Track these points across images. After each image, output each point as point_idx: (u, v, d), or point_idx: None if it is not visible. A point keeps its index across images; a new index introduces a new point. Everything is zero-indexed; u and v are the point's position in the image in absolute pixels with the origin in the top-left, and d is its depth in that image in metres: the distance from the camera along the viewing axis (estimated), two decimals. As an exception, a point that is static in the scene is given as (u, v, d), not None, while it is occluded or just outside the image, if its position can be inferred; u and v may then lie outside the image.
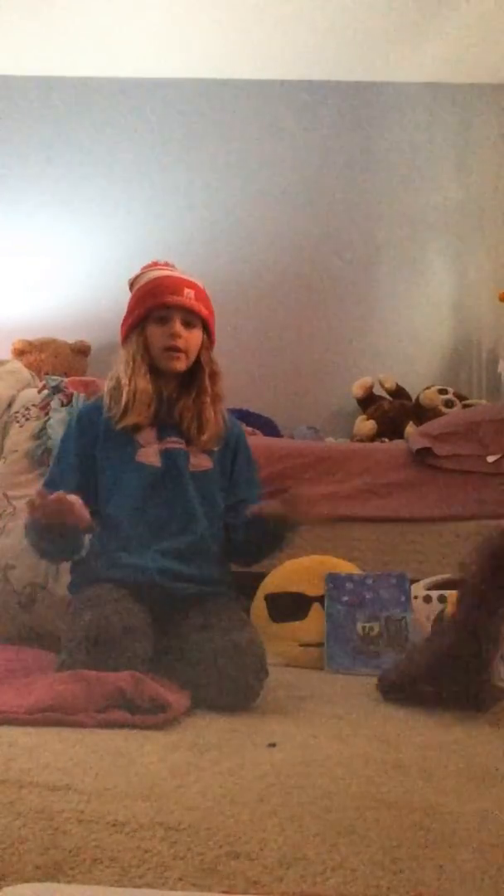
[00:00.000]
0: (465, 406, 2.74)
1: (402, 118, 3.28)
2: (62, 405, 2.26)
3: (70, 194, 3.19)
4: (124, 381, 1.65)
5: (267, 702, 1.35)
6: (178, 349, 1.64)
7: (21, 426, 2.26)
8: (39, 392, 2.34)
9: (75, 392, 2.29)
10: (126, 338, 1.72)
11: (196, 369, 1.70)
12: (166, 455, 1.63)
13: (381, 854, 0.73)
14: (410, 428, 2.61)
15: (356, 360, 3.19)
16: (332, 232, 3.25)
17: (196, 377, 1.70)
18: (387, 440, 2.66)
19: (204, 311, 1.68)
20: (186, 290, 1.66)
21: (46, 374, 2.59)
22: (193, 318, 1.67)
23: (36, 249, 3.15)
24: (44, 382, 2.37)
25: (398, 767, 0.99)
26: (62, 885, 0.67)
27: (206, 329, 1.71)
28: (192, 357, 1.68)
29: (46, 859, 0.70)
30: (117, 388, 1.66)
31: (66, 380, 2.37)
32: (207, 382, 1.69)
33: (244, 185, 3.23)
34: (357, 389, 3.04)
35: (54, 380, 2.36)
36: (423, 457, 2.29)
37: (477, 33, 2.92)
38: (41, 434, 2.20)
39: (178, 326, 1.64)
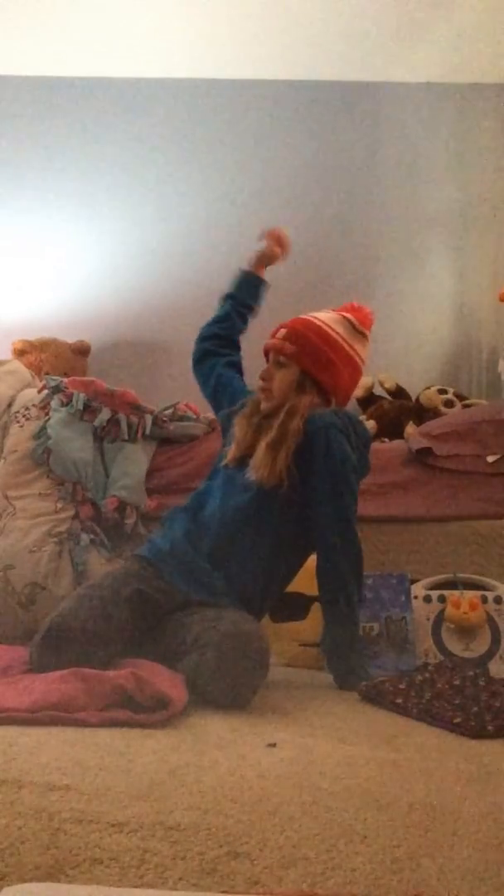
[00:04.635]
0: (465, 406, 2.73)
1: (402, 118, 3.27)
2: (62, 405, 2.26)
3: (70, 194, 3.18)
4: None
5: (267, 702, 1.35)
6: (262, 389, 1.72)
7: (21, 426, 2.26)
8: (39, 392, 2.34)
9: (75, 392, 2.29)
10: None
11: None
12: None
13: (381, 854, 0.73)
14: (410, 428, 2.61)
15: (356, 360, 3.18)
16: (332, 232, 3.25)
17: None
18: (387, 440, 2.65)
19: (287, 350, 1.69)
20: (280, 331, 1.74)
21: (46, 374, 2.58)
22: (281, 358, 1.71)
23: (36, 249, 3.14)
24: (44, 382, 2.37)
25: (398, 767, 0.99)
26: (62, 885, 0.67)
27: (306, 368, 1.68)
28: (278, 396, 1.68)
29: (46, 859, 0.70)
30: None
31: (66, 380, 2.37)
32: (275, 422, 1.64)
33: (244, 184, 3.23)
34: (357, 389, 3.03)
35: (54, 380, 2.36)
36: (423, 457, 2.28)
37: (477, 33, 2.92)
38: (41, 434, 2.20)
39: (267, 368, 1.74)
